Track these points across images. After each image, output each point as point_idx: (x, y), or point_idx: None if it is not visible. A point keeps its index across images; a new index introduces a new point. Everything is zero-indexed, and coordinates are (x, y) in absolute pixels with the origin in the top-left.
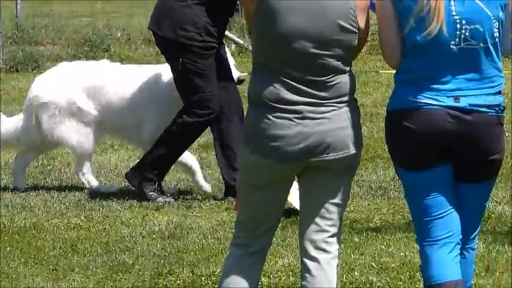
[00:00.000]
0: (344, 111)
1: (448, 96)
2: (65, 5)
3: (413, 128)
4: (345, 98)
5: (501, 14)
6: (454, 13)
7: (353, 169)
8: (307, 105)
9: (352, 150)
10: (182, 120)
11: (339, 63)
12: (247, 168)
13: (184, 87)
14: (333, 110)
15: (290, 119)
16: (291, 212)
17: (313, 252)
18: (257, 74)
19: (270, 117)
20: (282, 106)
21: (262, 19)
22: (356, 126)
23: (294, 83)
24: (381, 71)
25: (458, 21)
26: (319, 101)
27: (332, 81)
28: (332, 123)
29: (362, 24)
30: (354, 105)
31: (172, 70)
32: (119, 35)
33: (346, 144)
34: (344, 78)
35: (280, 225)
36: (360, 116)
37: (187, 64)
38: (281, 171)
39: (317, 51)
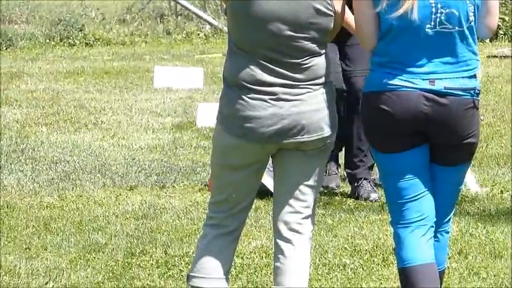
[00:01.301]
0: (319, 93)
1: (423, 79)
2: None
3: (388, 111)
4: (320, 80)
5: None
6: None
7: (327, 151)
8: (282, 87)
9: (327, 132)
10: None
11: (314, 46)
12: (222, 149)
13: None
14: (308, 92)
15: (265, 101)
16: (264, 193)
17: (286, 233)
18: (232, 55)
19: (245, 98)
20: (257, 87)
21: (238, 1)
22: (331, 108)
23: (269, 65)
24: None
25: (433, 5)
26: (294, 83)
27: (307, 64)
28: (307, 105)
29: (338, 8)
30: (328, 88)
31: None
32: (93, 14)
33: (320, 126)
34: (319, 61)
35: (253, 206)
36: (334, 98)
37: None
38: (255, 152)
39: (293, 33)
